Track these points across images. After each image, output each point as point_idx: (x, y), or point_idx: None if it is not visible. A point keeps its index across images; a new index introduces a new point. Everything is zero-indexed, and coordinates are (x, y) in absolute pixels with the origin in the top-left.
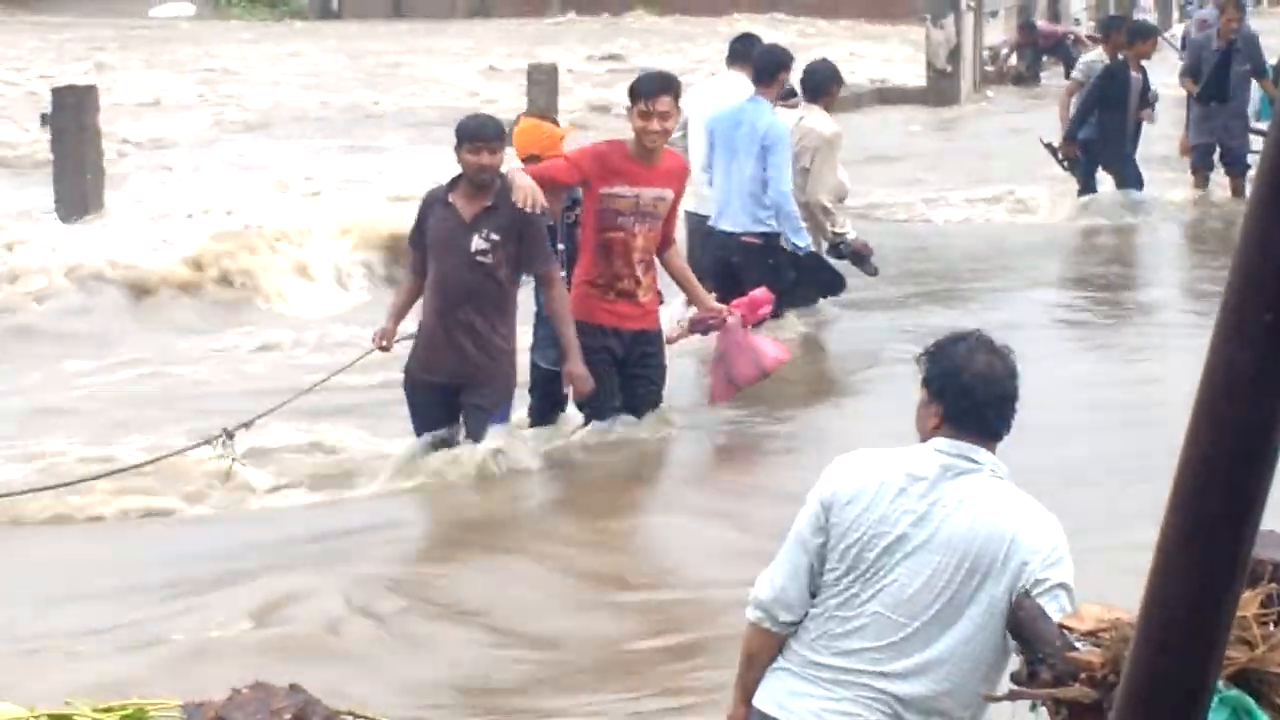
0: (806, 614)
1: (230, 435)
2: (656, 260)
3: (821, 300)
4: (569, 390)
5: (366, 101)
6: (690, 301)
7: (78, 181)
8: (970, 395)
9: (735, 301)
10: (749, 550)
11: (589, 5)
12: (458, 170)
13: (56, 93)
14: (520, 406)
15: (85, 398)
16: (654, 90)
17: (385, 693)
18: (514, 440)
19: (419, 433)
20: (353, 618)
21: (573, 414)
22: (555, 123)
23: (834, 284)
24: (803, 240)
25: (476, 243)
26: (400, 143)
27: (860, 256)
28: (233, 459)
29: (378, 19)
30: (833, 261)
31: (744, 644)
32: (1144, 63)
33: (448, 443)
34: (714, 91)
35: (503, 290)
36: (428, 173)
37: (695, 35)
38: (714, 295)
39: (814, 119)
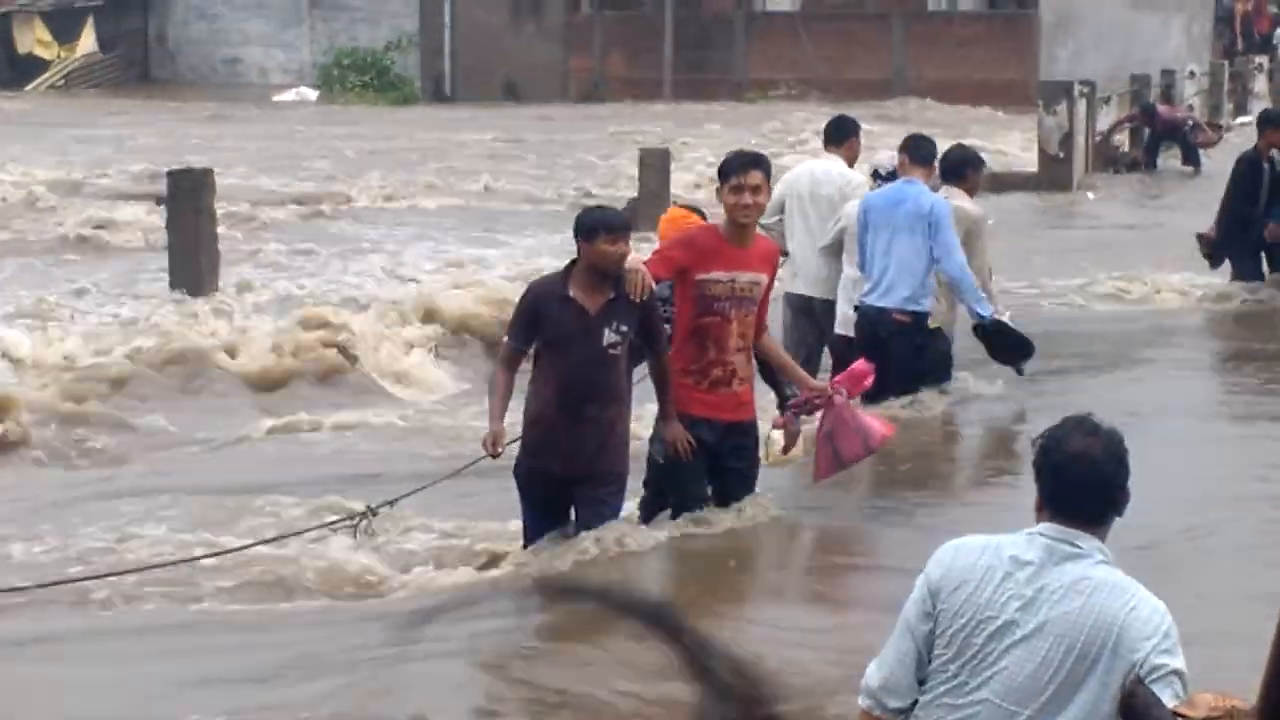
0: (916, 702)
1: (374, 513)
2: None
3: (1004, 366)
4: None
5: (477, 187)
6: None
7: (193, 262)
8: (1061, 477)
9: (837, 377)
10: (852, 643)
11: (695, 89)
12: (561, 260)
13: (172, 175)
14: (631, 497)
15: (202, 477)
16: (745, 165)
17: None
18: (632, 530)
19: (532, 526)
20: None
21: None
22: (702, 214)
23: (1024, 347)
24: (985, 310)
25: (609, 336)
26: (511, 229)
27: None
28: (371, 533)
29: (490, 102)
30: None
31: None
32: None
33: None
34: (812, 173)
35: (626, 381)
36: (537, 261)
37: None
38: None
39: (959, 200)
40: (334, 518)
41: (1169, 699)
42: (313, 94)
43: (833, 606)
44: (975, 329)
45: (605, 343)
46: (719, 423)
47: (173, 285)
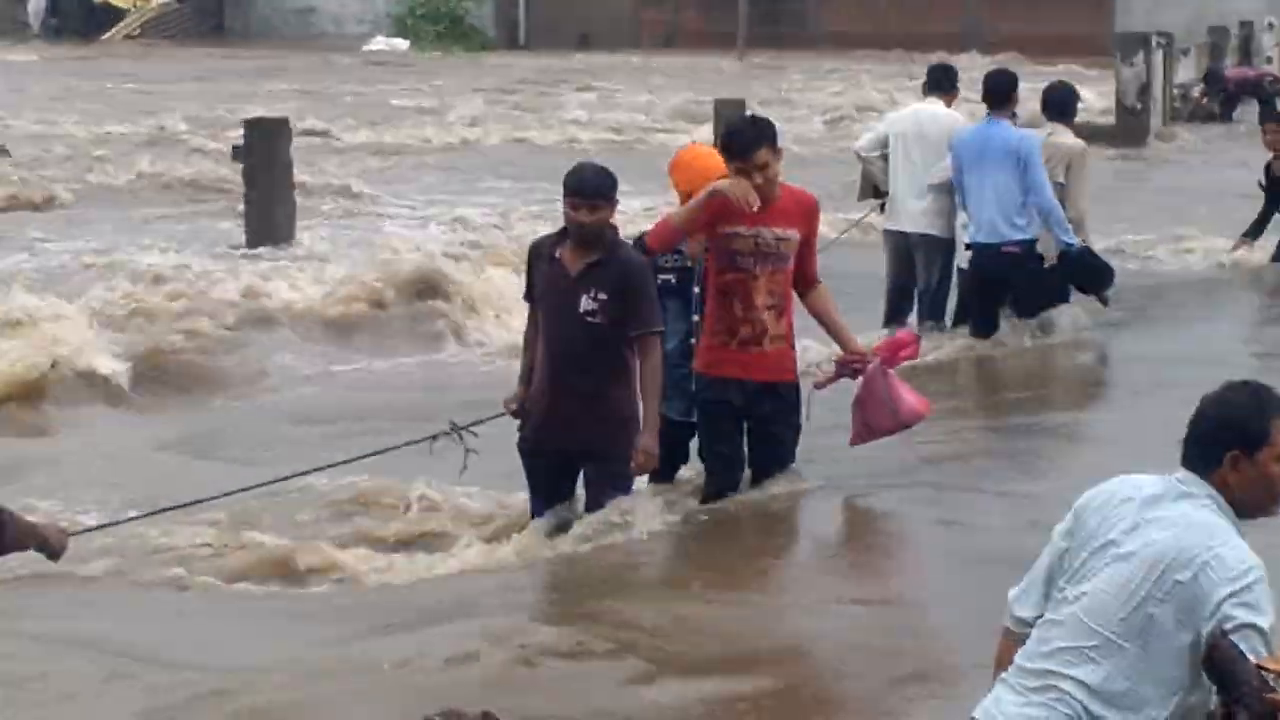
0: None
1: (460, 429)
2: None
3: (1087, 296)
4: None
5: (558, 139)
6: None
7: (268, 213)
8: (1189, 427)
9: (877, 344)
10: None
11: (772, 40)
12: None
13: (248, 124)
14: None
15: (295, 412)
16: (747, 146)
17: None
18: (637, 506)
19: (536, 507)
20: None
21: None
22: None
23: (1105, 275)
24: (1071, 237)
25: (585, 303)
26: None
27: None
28: (467, 449)
29: (565, 50)
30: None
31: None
32: None
33: (567, 525)
34: (917, 114)
35: (620, 355)
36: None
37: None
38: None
39: (1062, 136)
40: (420, 438)
41: (1246, 652)
42: (403, 44)
43: (836, 596)
44: (1060, 256)
45: (582, 309)
46: (750, 383)
47: (249, 235)
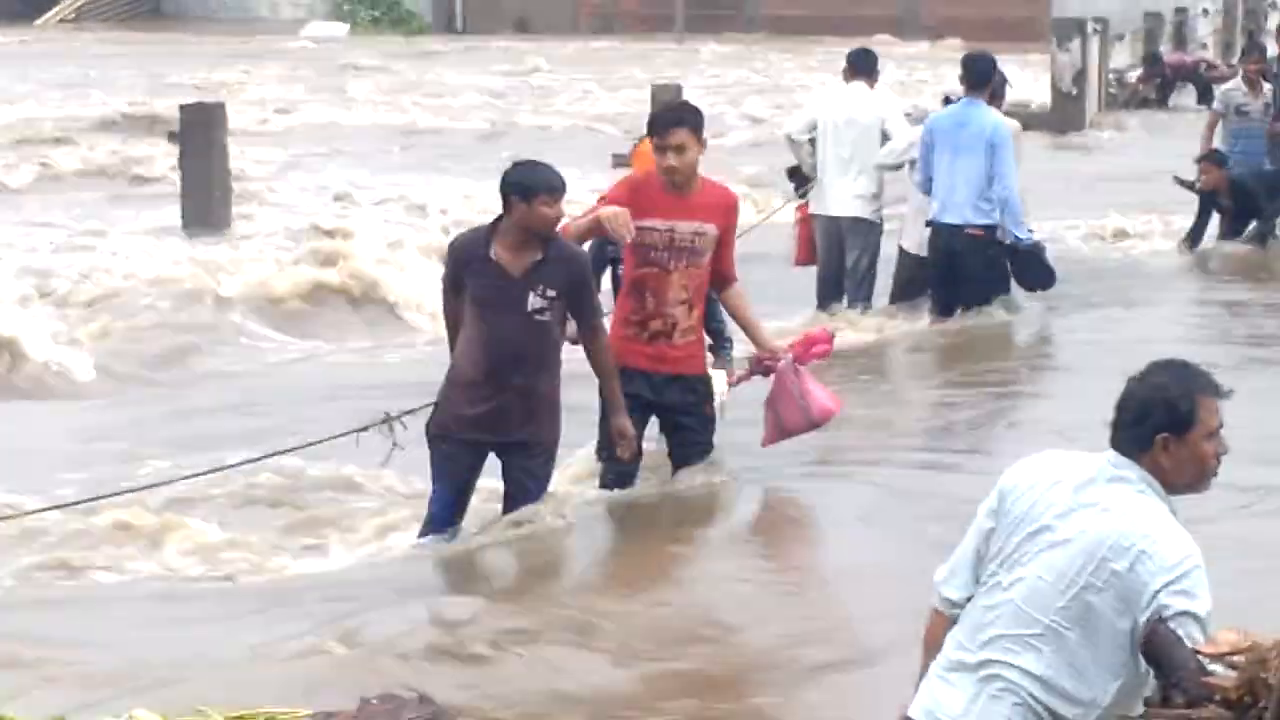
0: (969, 601)
1: (393, 419)
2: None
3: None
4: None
5: (491, 123)
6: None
7: (204, 198)
8: (1117, 411)
9: (792, 341)
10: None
11: (710, 24)
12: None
13: (185, 110)
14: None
15: (234, 399)
16: (667, 124)
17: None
18: (561, 495)
19: (442, 496)
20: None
21: (651, 450)
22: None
23: (1047, 277)
24: (1024, 233)
25: (534, 301)
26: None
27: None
28: (394, 443)
29: (501, 35)
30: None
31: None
32: None
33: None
34: (845, 98)
35: (556, 345)
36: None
37: (806, 56)
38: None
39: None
40: (360, 426)
41: (1184, 639)
42: (342, 29)
43: (755, 580)
44: (1009, 250)
45: (530, 308)
46: (658, 376)
47: (185, 219)
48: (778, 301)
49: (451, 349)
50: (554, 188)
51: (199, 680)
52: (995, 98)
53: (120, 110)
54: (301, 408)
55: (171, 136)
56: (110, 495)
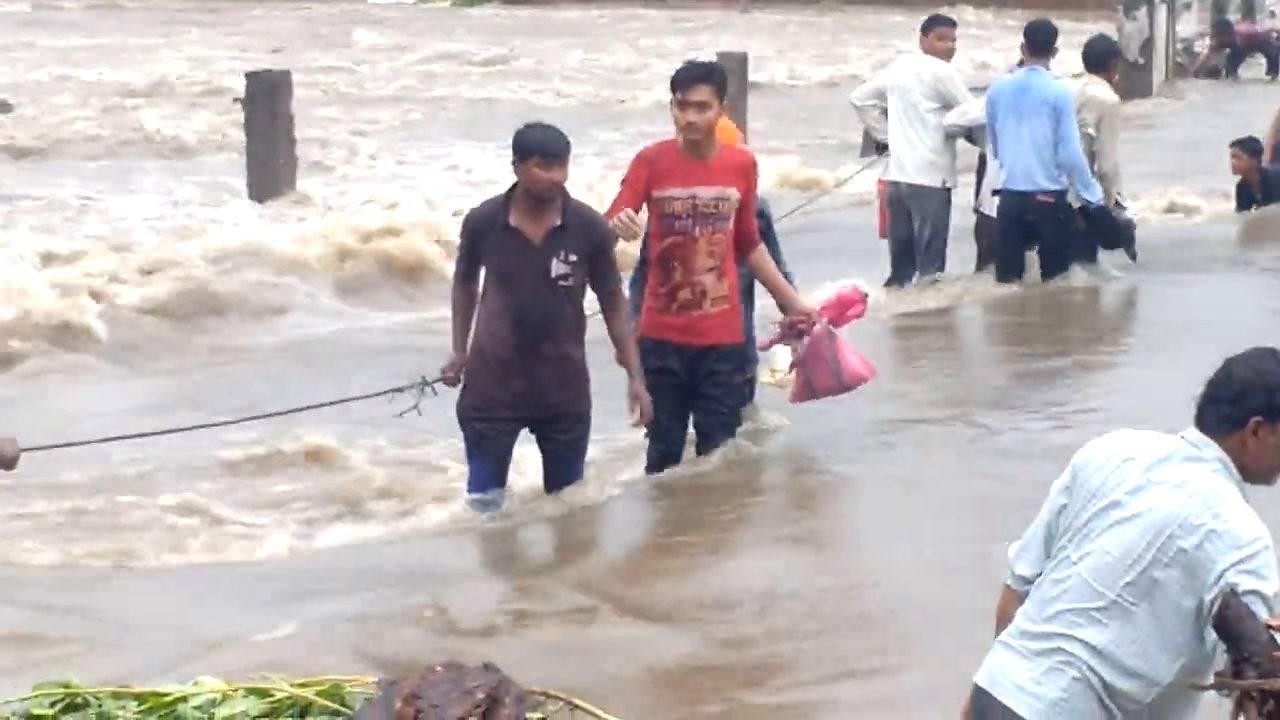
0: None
1: (429, 383)
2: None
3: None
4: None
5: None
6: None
7: (270, 165)
8: (1211, 388)
9: (823, 304)
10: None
11: None
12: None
13: (250, 77)
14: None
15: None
16: (692, 80)
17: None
18: (601, 471)
19: (482, 476)
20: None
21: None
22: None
23: (1120, 237)
24: (1093, 195)
25: (557, 267)
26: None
27: (1129, 234)
28: (416, 407)
29: (560, 4)
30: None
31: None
32: None
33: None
34: (912, 64)
35: (580, 313)
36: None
37: (881, 28)
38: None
39: (1097, 89)
40: (384, 390)
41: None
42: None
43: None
44: (1080, 212)
45: (554, 274)
46: (690, 348)
47: (250, 186)
48: (848, 273)
49: (455, 337)
50: (548, 151)
51: (260, 650)
52: (1103, 68)
53: (184, 76)
54: (355, 375)
55: (239, 103)
56: (133, 436)
